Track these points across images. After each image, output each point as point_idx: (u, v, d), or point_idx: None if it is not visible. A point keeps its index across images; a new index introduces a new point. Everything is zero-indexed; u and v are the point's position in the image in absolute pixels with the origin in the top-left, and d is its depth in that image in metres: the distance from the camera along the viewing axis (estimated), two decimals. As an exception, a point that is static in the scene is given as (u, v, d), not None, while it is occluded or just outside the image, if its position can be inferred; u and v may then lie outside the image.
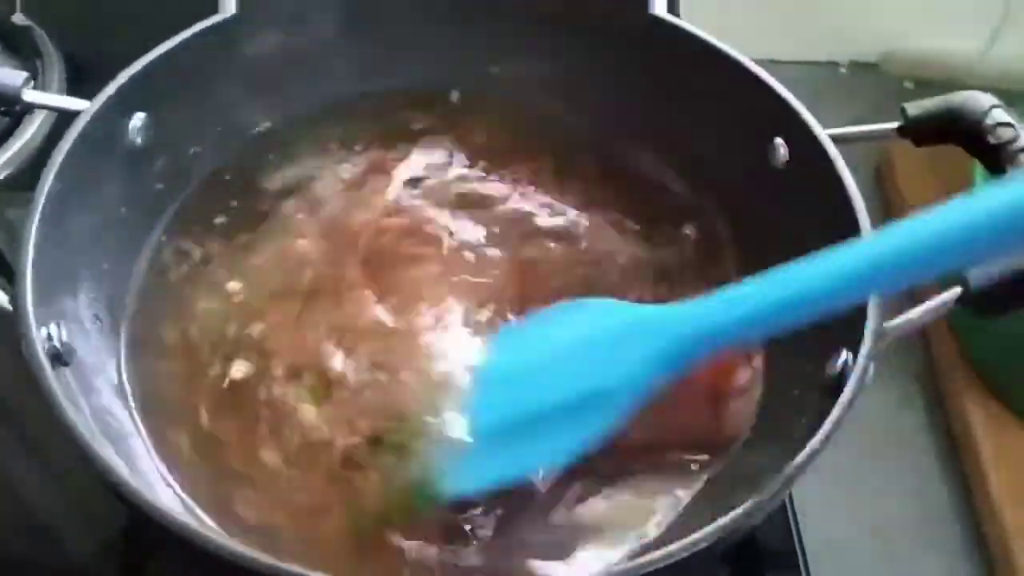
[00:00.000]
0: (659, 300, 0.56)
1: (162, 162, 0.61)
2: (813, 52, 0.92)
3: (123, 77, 0.57)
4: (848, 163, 0.56)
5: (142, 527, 0.60)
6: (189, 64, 0.61)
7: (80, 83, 0.78)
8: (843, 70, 0.94)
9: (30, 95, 0.55)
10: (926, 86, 0.92)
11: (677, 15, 0.69)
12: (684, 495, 0.53)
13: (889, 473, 0.69)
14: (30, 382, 0.63)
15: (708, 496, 0.53)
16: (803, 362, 0.54)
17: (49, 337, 0.48)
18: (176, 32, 0.60)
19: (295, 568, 0.40)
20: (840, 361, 0.52)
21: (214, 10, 0.62)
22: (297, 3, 0.66)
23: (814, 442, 0.46)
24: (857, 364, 0.49)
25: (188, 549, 0.42)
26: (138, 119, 0.59)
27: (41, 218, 0.51)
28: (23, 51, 0.78)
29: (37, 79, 0.76)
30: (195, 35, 0.61)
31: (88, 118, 0.55)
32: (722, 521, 0.44)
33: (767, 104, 0.62)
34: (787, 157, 0.61)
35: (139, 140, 0.59)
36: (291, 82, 0.67)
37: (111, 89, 0.57)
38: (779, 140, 0.62)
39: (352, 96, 0.69)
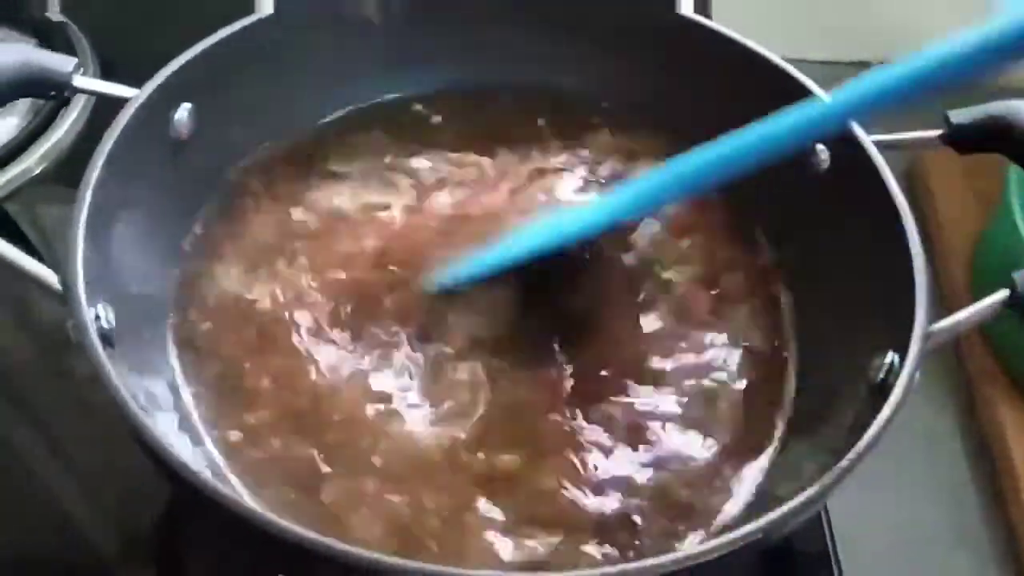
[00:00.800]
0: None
1: (206, 155, 0.61)
2: (842, 52, 0.90)
3: (173, 66, 0.58)
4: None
5: (174, 522, 0.60)
6: (237, 58, 0.61)
7: (114, 77, 0.77)
8: (850, 71, 0.92)
9: (80, 81, 0.56)
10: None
11: (709, 16, 0.70)
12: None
13: (922, 477, 0.69)
14: (60, 375, 0.65)
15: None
16: (844, 363, 0.54)
17: (97, 317, 0.48)
18: (211, 32, 0.61)
19: (356, 550, 0.40)
20: (886, 363, 0.52)
21: (249, 10, 0.63)
22: (336, 4, 0.67)
23: (862, 444, 0.46)
24: (906, 367, 0.49)
25: (238, 531, 0.42)
26: (184, 110, 0.59)
27: (92, 197, 0.51)
28: (57, 47, 0.78)
29: None
30: (245, 27, 0.61)
31: (137, 105, 0.55)
32: (764, 519, 0.44)
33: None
34: (827, 163, 0.61)
35: (184, 132, 0.59)
36: (337, 81, 0.68)
37: (160, 78, 0.57)
38: (819, 146, 0.62)
39: (387, 98, 0.70)
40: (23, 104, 0.74)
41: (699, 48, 0.66)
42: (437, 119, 0.69)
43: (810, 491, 0.44)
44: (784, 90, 0.61)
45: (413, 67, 0.69)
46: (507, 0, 0.68)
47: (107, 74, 0.78)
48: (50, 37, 0.79)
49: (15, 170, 0.71)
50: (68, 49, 0.78)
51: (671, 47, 0.67)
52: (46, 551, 0.60)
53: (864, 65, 0.74)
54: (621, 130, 0.69)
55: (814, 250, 0.61)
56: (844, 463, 0.45)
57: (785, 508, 0.44)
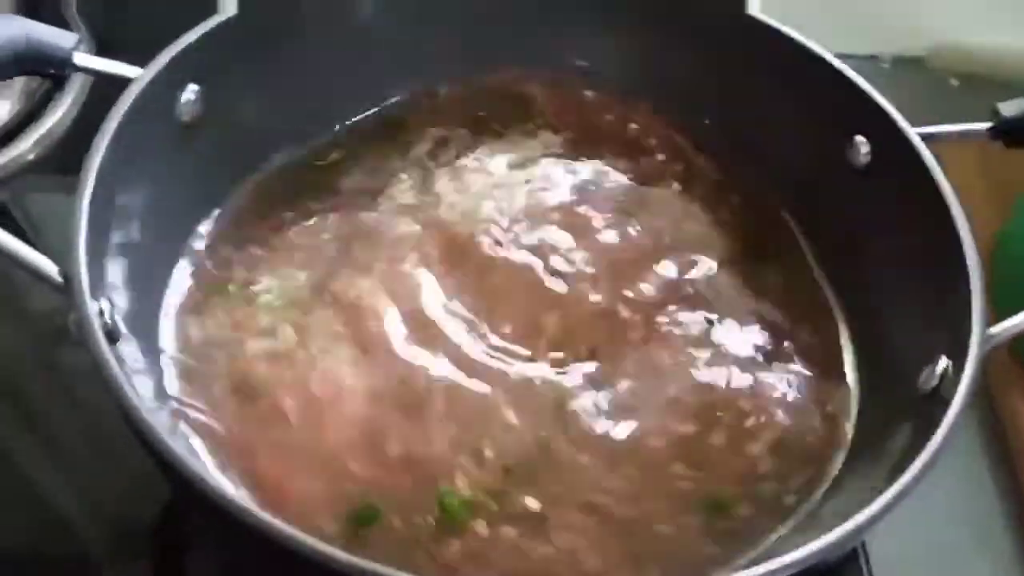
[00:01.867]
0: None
1: (214, 142, 0.58)
2: (854, 45, 0.83)
3: (180, 44, 0.54)
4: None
5: (172, 517, 0.57)
6: (251, 37, 0.58)
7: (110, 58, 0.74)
8: (885, 65, 0.89)
9: (81, 58, 0.52)
10: (972, 83, 0.88)
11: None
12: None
13: (949, 491, 0.66)
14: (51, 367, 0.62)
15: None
16: (898, 372, 0.52)
17: (101, 312, 0.45)
18: (213, 12, 0.57)
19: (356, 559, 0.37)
20: (940, 369, 0.49)
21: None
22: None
23: (923, 457, 0.43)
24: (964, 374, 0.46)
25: (235, 532, 0.39)
26: (191, 92, 0.55)
27: (94, 186, 0.47)
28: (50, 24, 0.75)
29: None
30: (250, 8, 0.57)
31: (143, 85, 0.52)
32: (825, 539, 0.41)
33: (844, 98, 0.59)
34: (869, 157, 0.58)
35: (192, 115, 0.56)
36: (354, 74, 0.64)
37: (166, 57, 0.53)
38: (860, 138, 0.59)
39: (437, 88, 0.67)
40: (17, 85, 0.70)
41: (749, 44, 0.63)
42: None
43: (874, 506, 0.41)
44: (830, 84, 0.59)
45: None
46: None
47: (105, 55, 0.73)
48: (41, 14, 0.73)
49: (8, 155, 0.67)
50: (62, 28, 0.75)
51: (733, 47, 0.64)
52: (42, 546, 0.57)
53: (875, 60, 0.71)
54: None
55: (861, 252, 0.59)
56: (907, 478, 0.42)
57: (851, 525, 0.41)
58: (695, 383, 0.53)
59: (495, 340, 0.54)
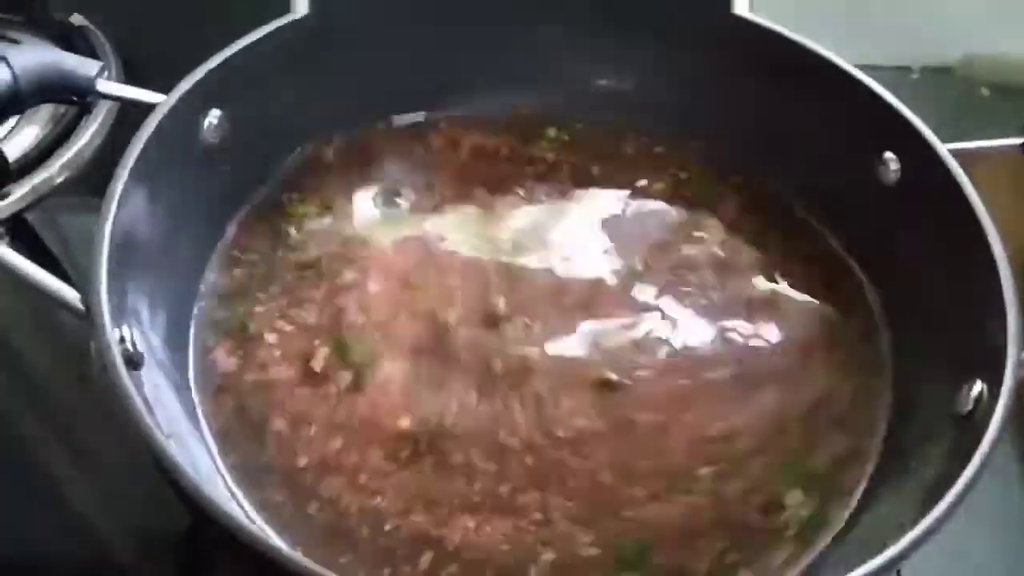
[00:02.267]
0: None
1: (236, 165, 0.58)
2: (882, 55, 0.81)
3: (202, 70, 0.54)
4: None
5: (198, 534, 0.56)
6: (272, 61, 0.57)
7: (137, 82, 0.74)
8: (915, 75, 0.87)
9: (104, 85, 0.52)
10: (1004, 92, 0.85)
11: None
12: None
13: (982, 518, 0.64)
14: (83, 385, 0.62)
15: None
16: (934, 394, 0.51)
17: (122, 340, 0.45)
18: (239, 35, 0.57)
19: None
20: (975, 392, 0.47)
21: (280, 12, 0.59)
22: (374, 6, 0.63)
23: (958, 486, 0.42)
24: (1000, 400, 0.45)
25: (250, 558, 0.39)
26: (213, 116, 0.56)
27: (116, 213, 0.47)
28: (79, 52, 0.72)
29: None
30: (276, 30, 0.57)
31: (165, 111, 0.52)
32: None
33: (872, 114, 0.58)
34: (899, 174, 0.57)
35: (214, 138, 0.56)
36: (368, 90, 0.64)
37: (188, 83, 0.53)
38: (889, 155, 0.58)
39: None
40: (44, 112, 0.71)
41: (754, 51, 0.62)
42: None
43: (911, 536, 0.40)
44: (855, 99, 0.58)
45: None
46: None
47: (131, 80, 0.72)
48: (72, 42, 0.76)
49: (36, 179, 0.67)
50: (90, 54, 0.75)
51: (722, 50, 0.63)
52: (72, 554, 0.57)
53: (904, 71, 0.69)
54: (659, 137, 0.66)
55: (893, 270, 0.58)
56: (943, 507, 0.41)
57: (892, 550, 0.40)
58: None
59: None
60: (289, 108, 0.60)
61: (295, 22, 0.59)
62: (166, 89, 0.53)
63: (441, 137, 0.65)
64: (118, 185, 0.48)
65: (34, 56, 0.51)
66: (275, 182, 0.61)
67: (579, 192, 0.63)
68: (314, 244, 0.59)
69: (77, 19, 0.77)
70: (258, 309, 0.56)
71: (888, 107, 0.57)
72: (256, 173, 0.61)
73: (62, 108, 0.71)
